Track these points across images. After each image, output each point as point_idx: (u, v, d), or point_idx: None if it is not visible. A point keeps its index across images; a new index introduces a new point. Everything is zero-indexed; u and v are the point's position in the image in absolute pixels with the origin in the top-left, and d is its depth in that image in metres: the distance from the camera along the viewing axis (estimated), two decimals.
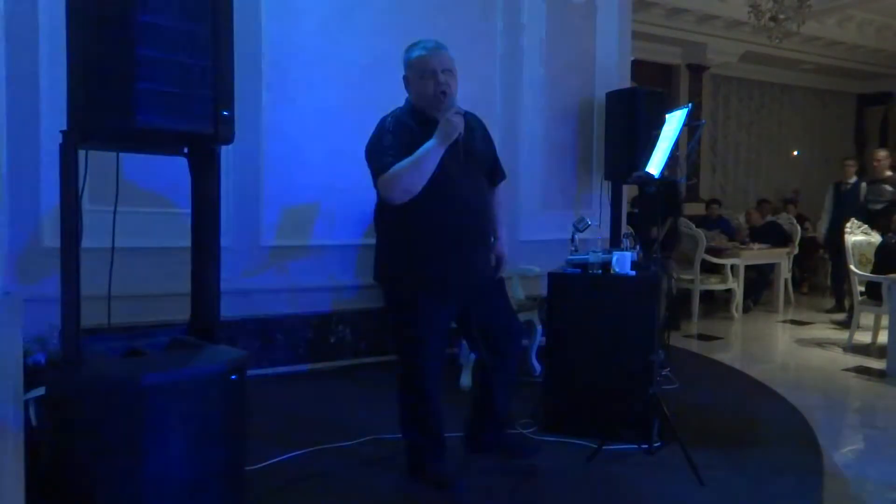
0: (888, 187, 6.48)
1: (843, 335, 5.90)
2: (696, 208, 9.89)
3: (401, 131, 2.65)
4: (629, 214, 5.99)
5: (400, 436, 2.93)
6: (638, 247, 3.63)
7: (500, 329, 2.93)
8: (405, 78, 2.74)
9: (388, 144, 2.61)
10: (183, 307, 2.64)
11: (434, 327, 2.77)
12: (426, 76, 2.64)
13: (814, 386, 4.71)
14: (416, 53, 2.67)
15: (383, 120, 2.74)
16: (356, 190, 4.52)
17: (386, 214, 2.75)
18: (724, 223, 8.49)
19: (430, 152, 2.55)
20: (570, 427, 3.36)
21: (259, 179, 4.31)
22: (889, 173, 6.62)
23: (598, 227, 5.12)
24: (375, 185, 2.65)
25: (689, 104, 3.61)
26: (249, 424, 2.40)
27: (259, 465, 2.88)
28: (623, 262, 3.38)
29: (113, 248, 2.42)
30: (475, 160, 2.79)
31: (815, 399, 4.30)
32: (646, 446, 3.19)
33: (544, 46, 5.37)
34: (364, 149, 2.74)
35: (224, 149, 2.53)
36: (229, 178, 4.11)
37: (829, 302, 7.77)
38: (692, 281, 7.00)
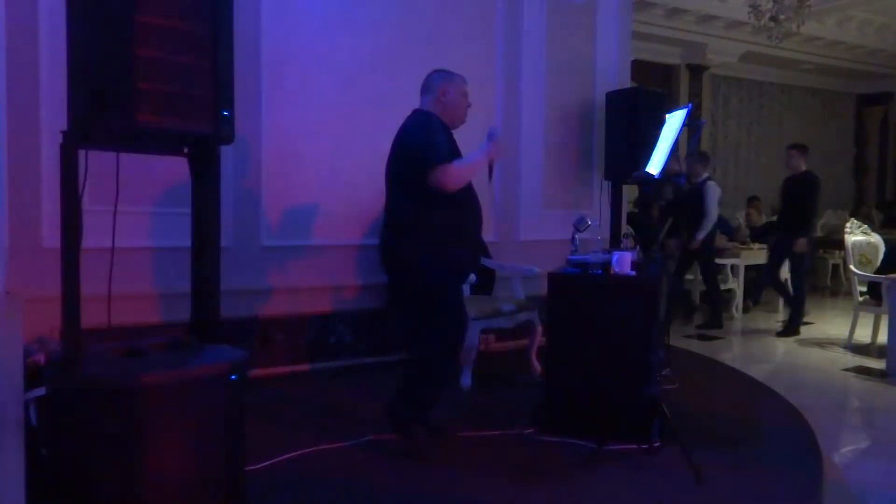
0: (669, 187, 6.31)
1: (843, 335, 5.90)
2: None
3: (445, 133, 3.09)
4: (629, 214, 5.98)
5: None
6: (638, 247, 3.63)
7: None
8: (443, 90, 3.15)
9: (442, 142, 3.01)
10: (183, 307, 2.64)
11: (461, 305, 3.20)
12: (464, 95, 3.21)
13: (814, 386, 4.71)
14: (457, 78, 3.20)
15: (426, 120, 3.09)
16: (356, 190, 4.57)
17: (418, 208, 3.04)
18: (724, 223, 8.48)
19: (480, 162, 3.09)
20: (570, 427, 3.36)
21: (259, 179, 4.31)
22: (677, 168, 6.19)
23: (599, 227, 5.12)
24: (425, 173, 2.94)
25: (689, 104, 3.61)
26: (249, 424, 2.40)
27: (259, 465, 2.89)
28: (623, 262, 3.38)
29: (113, 248, 2.42)
30: None
31: (815, 399, 4.30)
32: (646, 446, 3.19)
33: (544, 46, 5.37)
34: (407, 141, 3.07)
35: (224, 149, 2.53)
36: (229, 177, 4.12)
37: (831, 303, 7.69)
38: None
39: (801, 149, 6.55)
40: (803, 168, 6.48)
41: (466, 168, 3.06)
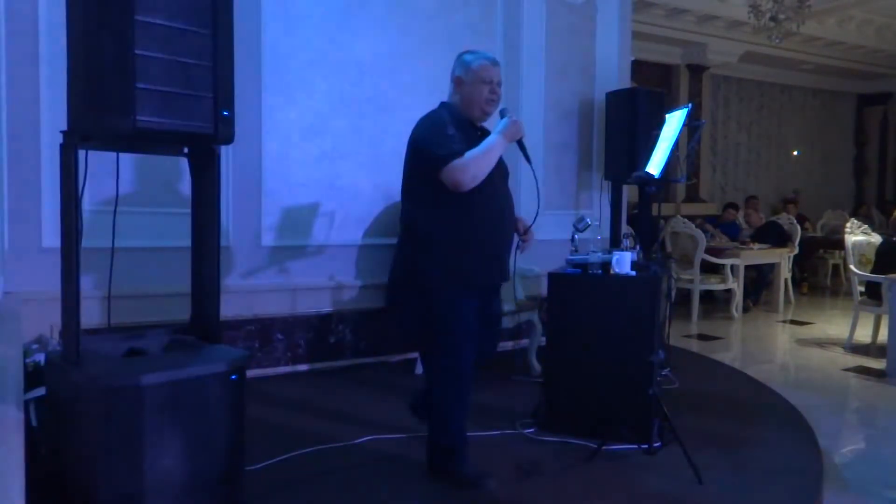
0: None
1: (843, 335, 5.90)
2: (695, 208, 9.90)
3: (458, 126, 2.77)
4: (630, 215, 5.97)
5: (425, 435, 2.92)
6: (638, 247, 3.63)
7: (494, 328, 3.05)
8: (458, 78, 2.84)
9: (453, 135, 2.71)
10: (183, 307, 2.64)
11: (472, 324, 2.82)
12: (484, 83, 2.80)
13: (814, 386, 4.71)
14: (478, 61, 2.81)
15: (437, 114, 2.82)
16: (356, 190, 4.57)
17: (428, 215, 2.76)
18: (732, 226, 8.48)
19: (497, 146, 2.75)
20: (570, 427, 3.36)
21: (259, 179, 4.31)
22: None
23: (599, 227, 5.12)
24: (437, 172, 2.65)
25: (689, 104, 3.61)
26: (249, 424, 2.40)
27: (259, 465, 2.89)
28: (623, 262, 3.38)
29: (113, 248, 2.42)
30: (503, 165, 2.92)
31: (815, 399, 4.30)
32: (646, 446, 3.19)
33: (544, 46, 5.37)
34: (414, 139, 2.79)
35: (224, 149, 2.54)
36: (229, 178, 4.12)
37: (831, 303, 7.68)
38: (692, 281, 7.00)
39: None
40: None
41: (481, 156, 2.68)
